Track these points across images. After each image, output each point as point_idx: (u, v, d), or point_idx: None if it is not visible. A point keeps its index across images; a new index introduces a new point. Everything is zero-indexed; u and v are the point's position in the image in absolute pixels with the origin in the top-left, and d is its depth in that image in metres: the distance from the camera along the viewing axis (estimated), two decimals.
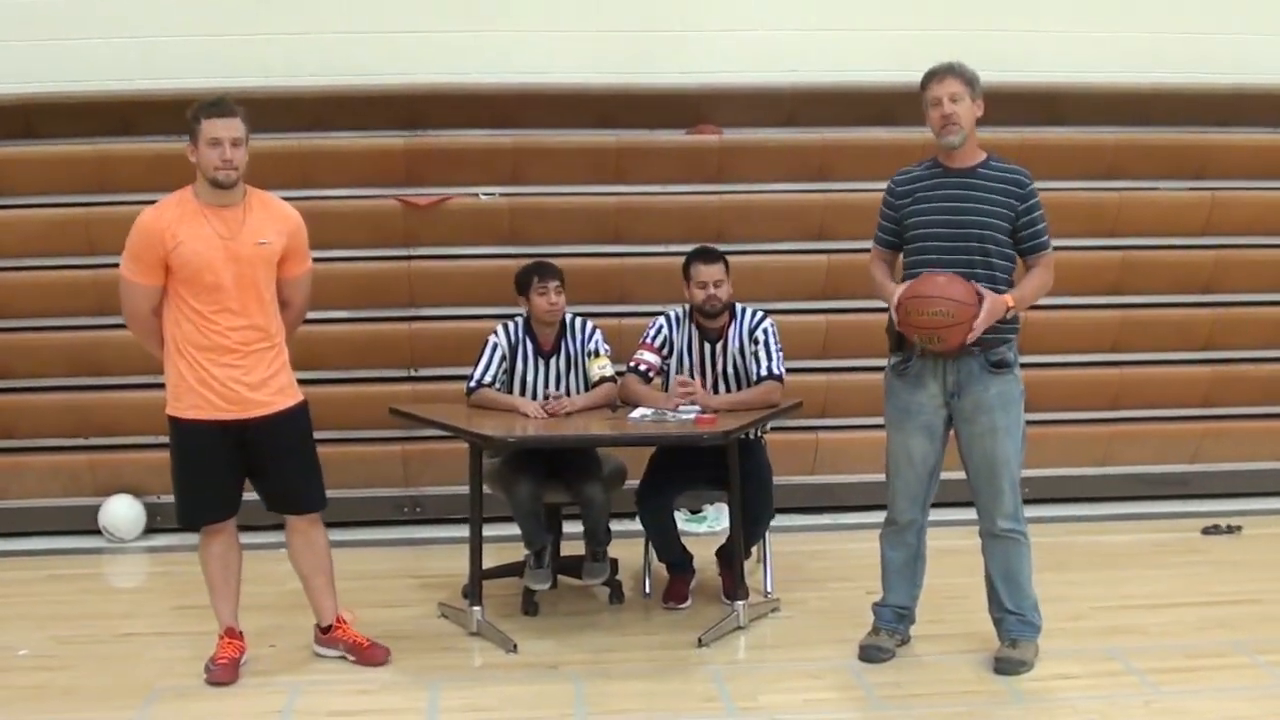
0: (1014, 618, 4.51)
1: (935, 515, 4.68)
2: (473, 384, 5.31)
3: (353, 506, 6.36)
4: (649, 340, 5.38)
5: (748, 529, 5.12)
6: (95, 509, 6.46)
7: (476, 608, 4.93)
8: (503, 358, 5.34)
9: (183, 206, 4.33)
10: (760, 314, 5.36)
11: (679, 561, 5.36)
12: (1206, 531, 6.39)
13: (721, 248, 5.44)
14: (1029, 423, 4.51)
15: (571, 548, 5.38)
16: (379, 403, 5.79)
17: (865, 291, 5.00)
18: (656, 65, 6.80)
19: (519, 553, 5.14)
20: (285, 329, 4.54)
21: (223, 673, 4.46)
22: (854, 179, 6.65)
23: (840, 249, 6.69)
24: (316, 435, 4.63)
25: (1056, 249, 4.48)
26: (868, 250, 4.68)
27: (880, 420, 4.68)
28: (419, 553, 6.26)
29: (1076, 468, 6.95)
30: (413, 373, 6.68)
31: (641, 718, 4.21)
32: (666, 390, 5.31)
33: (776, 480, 5.36)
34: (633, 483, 5.38)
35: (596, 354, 5.34)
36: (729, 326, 5.32)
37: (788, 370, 5.32)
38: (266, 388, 4.40)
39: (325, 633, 4.72)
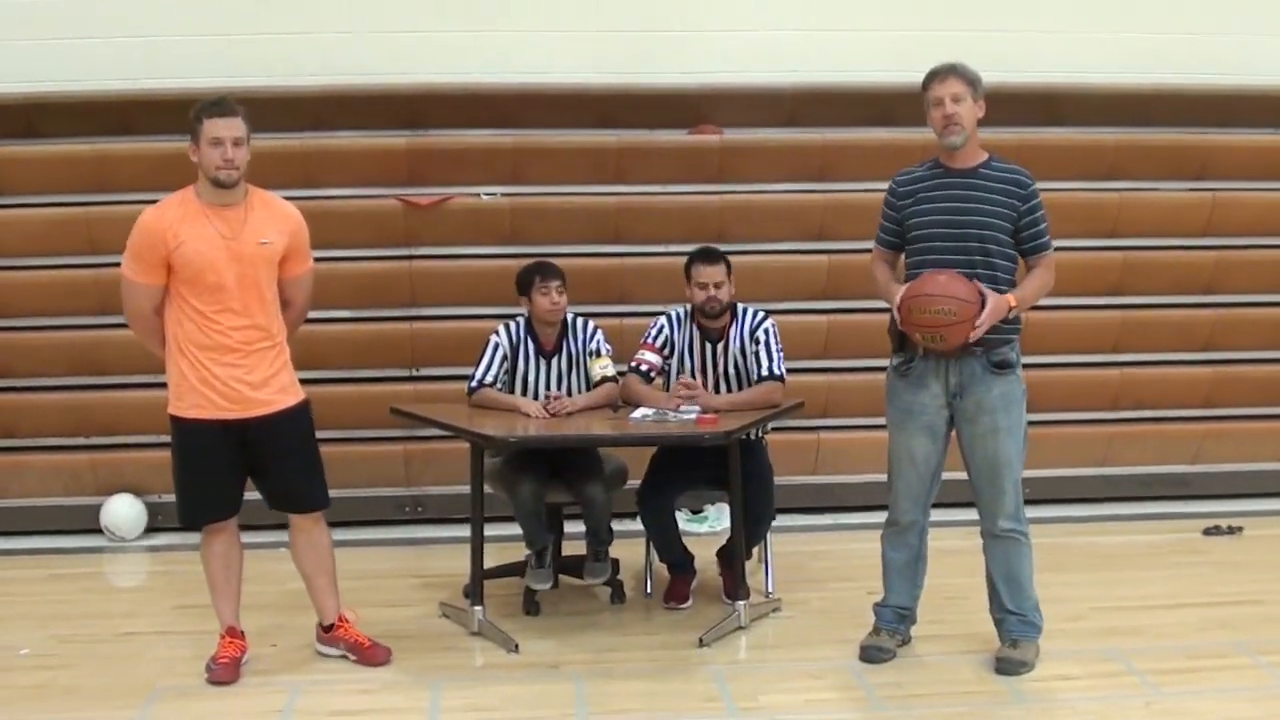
0: (1015, 618, 4.52)
1: (936, 515, 4.68)
2: (474, 384, 5.31)
3: (354, 506, 6.36)
4: (650, 340, 5.38)
5: (749, 529, 5.12)
6: (96, 508, 6.46)
7: (478, 607, 4.93)
8: (504, 358, 5.34)
9: (184, 206, 4.33)
10: (761, 314, 5.36)
11: (680, 561, 5.36)
12: (1207, 532, 6.39)
13: (722, 248, 5.44)
14: (1030, 423, 4.51)
15: (573, 548, 5.38)
16: (380, 402, 5.79)
17: (866, 292, 5.02)
18: (657, 65, 6.80)
19: (520, 552, 5.14)
20: (287, 328, 4.54)
21: (224, 672, 4.46)
22: (855, 179, 6.65)
23: (841, 249, 6.68)
24: (318, 435, 4.63)
25: (1057, 250, 4.48)
26: (868, 250, 4.69)
27: (881, 420, 4.68)
28: (420, 552, 6.27)
29: (1077, 468, 6.95)
30: (414, 372, 6.68)
31: (643, 718, 4.22)
32: (668, 390, 5.31)
33: (778, 480, 5.36)
34: (634, 483, 5.38)
35: (598, 354, 5.34)
36: (730, 327, 5.32)
37: (789, 370, 5.32)
38: (268, 387, 4.41)
39: (327, 631, 4.72)
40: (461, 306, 6.60)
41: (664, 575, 5.41)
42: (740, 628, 4.96)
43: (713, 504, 6.50)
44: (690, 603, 5.29)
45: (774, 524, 5.40)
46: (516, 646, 4.77)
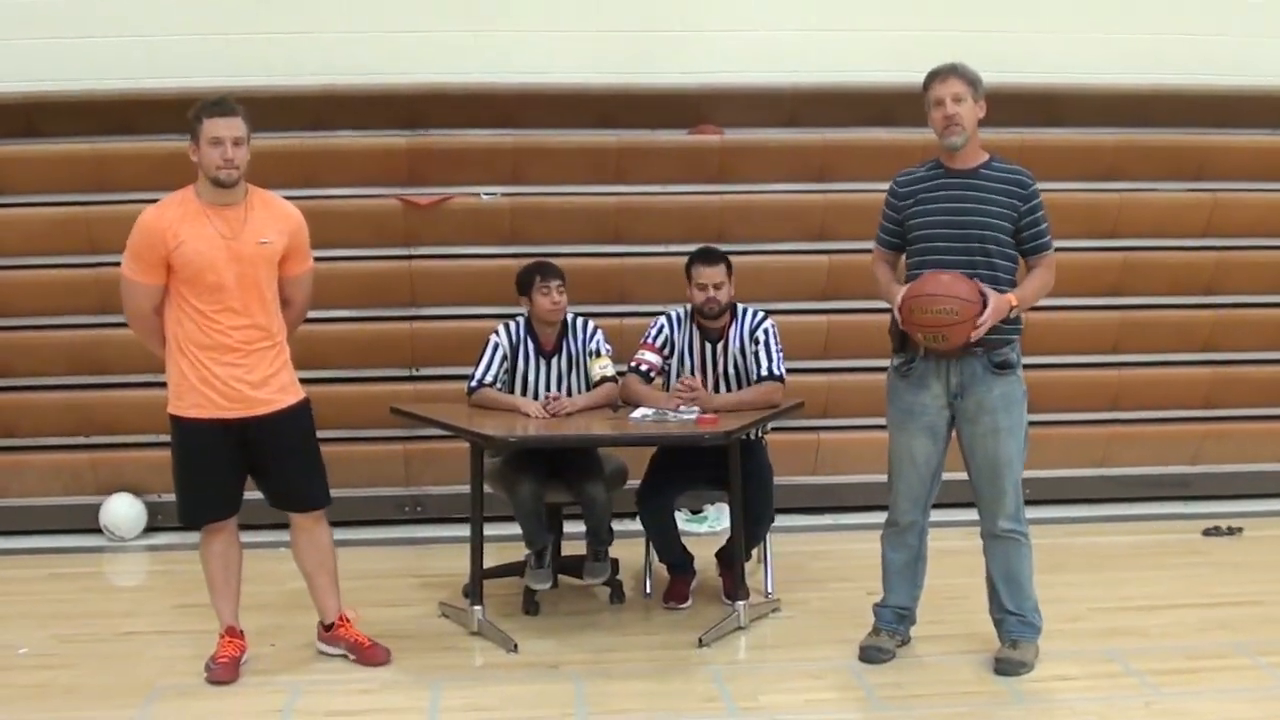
0: (1014, 618, 4.52)
1: (936, 516, 4.68)
2: (474, 384, 5.31)
3: (354, 506, 6.36)
4: (650, 340, 5.38)
5: (749, 530, 5.12)
6: (96, 507, 6.46)
7: (477, 607, 4.93)
8: (504, 357, 5.34)
9: (184, 206, 4.33)
10: (761, 314, 5.36)
11: (680, 562, 5.36)
12: (1207, 533, 6.39)
13: (722, 248, 5.44)
14: (1030, 424, 4.51)
15: (572, 547, 5.39)
16: (380, 402, 5.79)
17: (866, 292, 5.02)
18: (657, 65, 6.80)
19: (520, 552, 5.14)
20: (287, 328, 4.54)
21: (223, 671, 4.46)
22: (855, 179, 6.66)
23: (841, 249, 6.69)
24: (318, 434, 4.63)
25: (1056, 250, 4.48)
26: (869, 251, 4.69)
27: (881, 421, 4.68)
28: (420, 552, 6.27)
29: (1076, 469, 6.95)
30: (414, 372, 6.69)
31: (642, 718, 4.22)
32: (668, 390, 5.31)
33: (777, 480, 5.36)
34: (633, 483, 5.38)
35: (598, 354, 5.34)
36: (730, 327, 5.32)
37: (789, 370, 5.32)
38: (268, 386, 4.41)
39: (328, 630, 4.72)
40: (461, 306, 6.60)
41: (664, 575, 5.42)
42: (740, 628, 4.96)
43: (712, 504, 6.51)
44: (690, 603, 5.29)
45: (774, 524, 5.40)
46: (516, 646, 4.77)
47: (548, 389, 5.31)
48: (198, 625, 4.85)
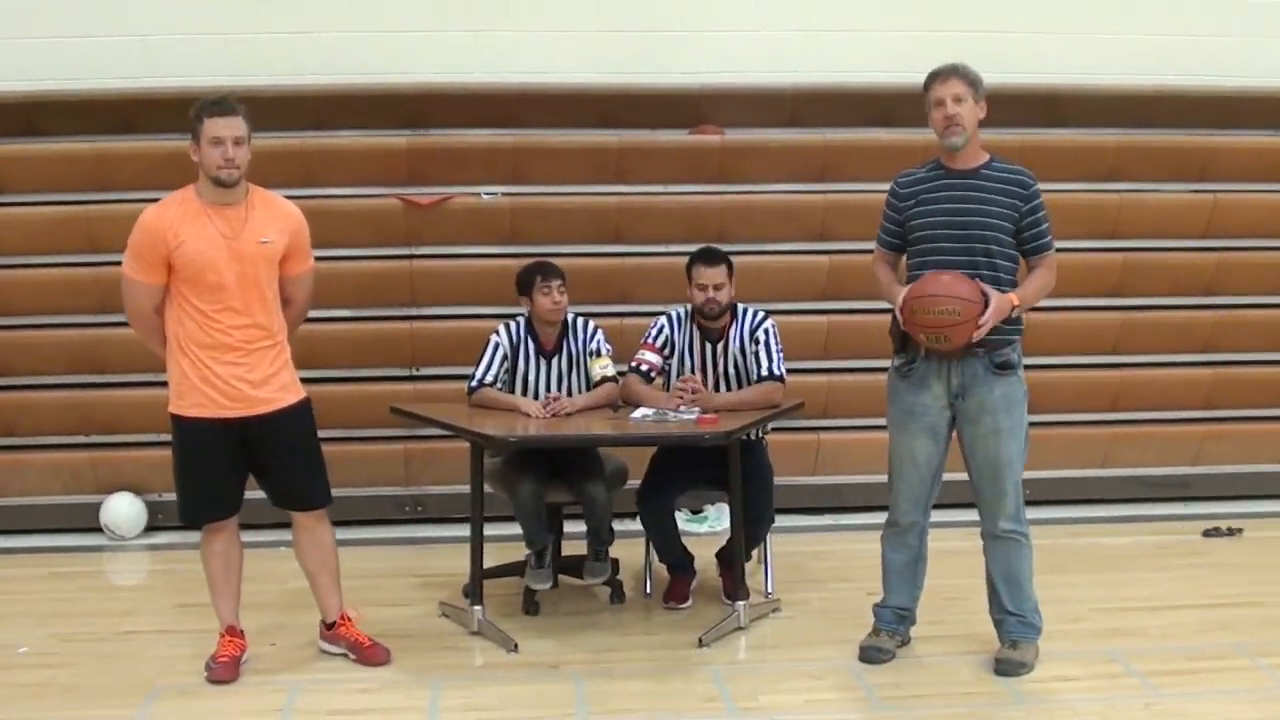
0: (1015, 619, 4.52)
1: (936, 516, 4.67)
2: (474, 383, 5.31)
3: (354, 505, 6.35)
4: (650, 340, 5.38)
5: (749, 530, 5.12)
6: (96, 507, 6.47)
7: (477, 607, 4.93)
8: (504, 357, 5.34)
9: (185, 205, 4.33)
10: (761, 314, 5.36)
11: (680, 562, 5.36)
12: (1207, 534, 6.39)
13: (723, 248, 5.43)
14: (1030, 424, 4.51)
15: (572, 547, 5.38)
16: (380, 402, 5.79)
17: (867, 292, 5.02)
18: (658, 65, 6.81)
19: (520, 552, 5.14)
20: (287, 327, 4.54)
21: (223, 671, 4.46)
22: (856, 180, 6.66)
23: (842, 249, 6.69)
24: (318, 434, 4.63)
25: (1057, 251, 4.48)
26: (869, 251, 4.69)
27: (881, 421, 4.68)
28: (420, 552, 6.27)
29: (1077, 469, 6.95)
30: (414, 372, 6.69)
31: (642, 718, 4.21)
32: (668, 390, 5.31)
33: (778, 481, 5.36)
34: (634, 483, 5.38)
35: (598, 354, 5.34)
36: (730, 327, 5.32)
37: (789, 371, 5.32)
38: (269, 385, 4.41)
39: (330, 629, 4.72)
40: (462, 306, 6.61)
41: (664, 575, 5.41)
42: (740, 628, 4.96)
43: (712, 504, 6.50)
44: (690, 603, 5.29)
45: (774, 524, 5.39)
46: (516, 646, 4.77)
47: (548, 389, 5.31)
48: (198, 624, 4.85)
